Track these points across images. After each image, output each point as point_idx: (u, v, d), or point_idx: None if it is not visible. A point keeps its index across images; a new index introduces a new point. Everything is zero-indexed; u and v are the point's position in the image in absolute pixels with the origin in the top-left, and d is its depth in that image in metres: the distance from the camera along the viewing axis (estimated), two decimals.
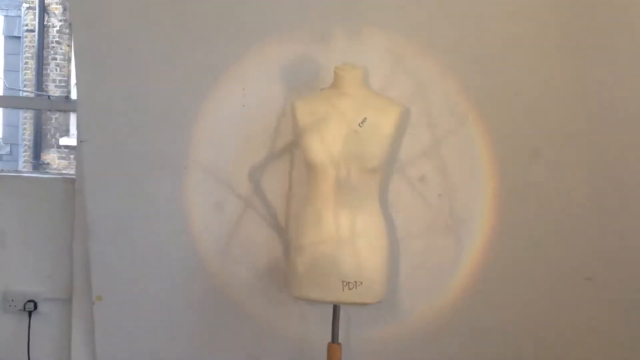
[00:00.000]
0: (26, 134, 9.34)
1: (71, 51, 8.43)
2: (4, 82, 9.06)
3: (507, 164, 2.32)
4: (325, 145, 2.05)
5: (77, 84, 2.53)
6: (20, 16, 9.18)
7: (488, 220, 2.34)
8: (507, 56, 2.29)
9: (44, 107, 5.32)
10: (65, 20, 8.96)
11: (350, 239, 2.06)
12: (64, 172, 3.06)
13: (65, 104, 4.72)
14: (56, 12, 9.09)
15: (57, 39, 9.19)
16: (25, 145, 9.32)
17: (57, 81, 9.23)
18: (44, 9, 8.97)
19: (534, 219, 2.34)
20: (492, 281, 2.37)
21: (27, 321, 2.73)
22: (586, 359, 2.39)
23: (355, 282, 2.05)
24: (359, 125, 2.06)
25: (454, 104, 2.30)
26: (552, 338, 2.39)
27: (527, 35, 2.27)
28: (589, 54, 2.27)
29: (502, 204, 2.32)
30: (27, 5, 8.99)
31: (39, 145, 9.29)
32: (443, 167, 2.33)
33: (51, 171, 3.87)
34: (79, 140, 2.51)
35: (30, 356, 2.72)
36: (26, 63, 9.19)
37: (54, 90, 9.02)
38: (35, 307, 2.73)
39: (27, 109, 8.93)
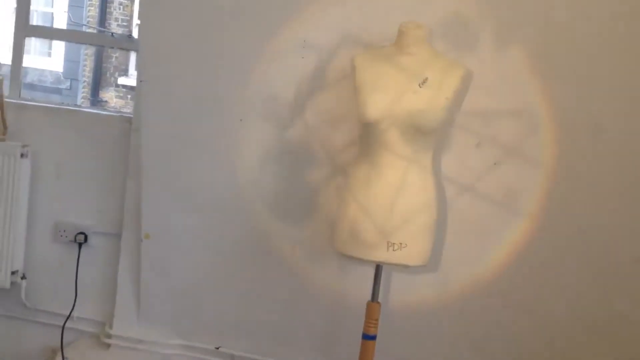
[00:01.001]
0: (86, 71, 9.51)
1: None
2: (68, 16, 9.19)
3: (567, 139, 2.25)
4: (382, 102, 2.01)
5: (140, 23, 2.54)
6: None
7: (540, 194, 2.28)
8: (580, 28, 2.20)
9: (106, 43, 5.38)
10: None
11: (398, 200, 2.03)
12: (121, 111, 3.11)
13: (127, 43, 4.78)
14: None
15: None
16: (85, 81, 9.50)
17: (120, 20, 9.34)
18: None
19: (589, 195, 2.27)
20: (538, 257, 2.32)
21: (77, 252, 2.81)
22: (629, 346, 2.34)
23: (401, 243, 2.04)
24: (419, 85, 2.02)
25: (518, 71, 2.23)
26: (593, 320, 2.34)
27: (604, 8, 2.17)
28: None
29: (556, 179, 2.26)
30: None
31: (97, 83, 9.46)
32: (501, 135, 2.27)
33: (109, 109, 3.95)
34: (139, 80, 2.54)
35: (78, 287, 2.81)
36: (90, 0, 9.30)
37: (116, 29, 9.13)
38: (86, 239, 2.81)
39: (89, 44, 9.05)
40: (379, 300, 2.23)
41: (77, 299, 2.81)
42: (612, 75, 2.20)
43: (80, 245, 2.81)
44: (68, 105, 3.08)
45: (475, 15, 2.24)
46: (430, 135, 2.05)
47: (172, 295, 2.69)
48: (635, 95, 2.19)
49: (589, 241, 2.29)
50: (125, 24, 9.28)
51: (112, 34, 8.55)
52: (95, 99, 9.41)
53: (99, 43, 6.00)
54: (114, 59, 9.40)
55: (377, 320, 2.20)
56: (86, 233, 2.80)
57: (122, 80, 9.26)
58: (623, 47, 2.18)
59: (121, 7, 9.30)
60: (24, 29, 2.93)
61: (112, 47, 8.56)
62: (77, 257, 2.81)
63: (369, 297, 2.22)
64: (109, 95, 9.37)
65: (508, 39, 2.22)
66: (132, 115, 2.70)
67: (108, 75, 9.48)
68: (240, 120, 2.44)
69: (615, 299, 2.31)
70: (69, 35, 5.39)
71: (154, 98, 2.48)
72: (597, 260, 2.30)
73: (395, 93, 2.02)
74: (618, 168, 2.23)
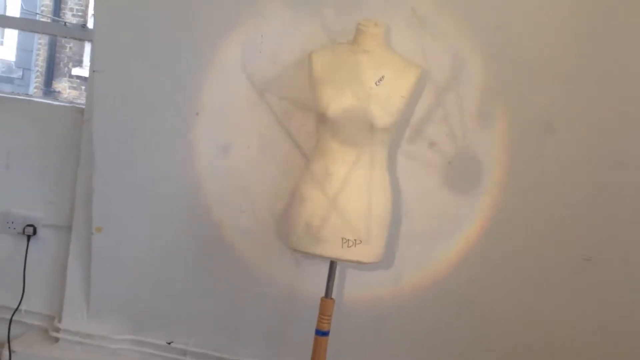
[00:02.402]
0: (39, 60, 9.30)
1: None
2: (21, 5, 8.97)
3: (518, 138, 2.29)
4: (338, 99, 2.02)
5: (94, 13, 2.50)
6: None
7: (493, 193, 2.32)
8: (531, 27, 2.24)
9: (59, 33, 5.25)
10: None
11: (354, 196, 2.05)
12: (74, 101, 3.06)
13: (80, 32, 4.68)
14: None
15: None
16: (38, 71, 9.29)
17: (75, 10, 9.15)
18: None
19: (540, 194, 2.32)
20: (490, 255, 2.36)
21: (25, 245, 2.75)
22: (582, 340, 2.39)
23: (355, 240, 2.05)
24: (376, 83, 2.03)
25: (471, 71, 2.26)
26: (544, 316, 2.40)
27: (555, 7, 2.22)
28: (617, 39, 2.22)
29: (509, 178, 2.30)
30: None
31: (51, 73, 9.25)
32: (454, 135, 2.30)
33: (61, 99, 3.85)
34: (92, 70, 2.50)
35: (26, 280, 2.74)
36: None
37: (70, 19, 8.94)
38: (35, 231, 2.75)
39: (42, 33, 8.84)
40: (333, 296, 2.24)
41: (25, 292, 2.75)
42: (562, 74, 2.25)
43: (29, 237, 2.74)
44: (19, 94, 3.01)
45: (430, 15, 2.26)
46: (385, 133, 2.06)
47: (123, 290, 2.65)
48: (585, 94, 2.24)
49: (539, 240, 2.34)
50: (80, 14, 9.10)
51: (65, 23, 8.38)
52: (48, 89, 9.20)
53: (52, 32, 5.86)
54: (68, 49, 9.21)
55: (330, 316, 2.22)
56: (35, 225, 2.74)
57: (76, 71, 9.08)
58: (572, 46, 2.23)
59: None
60: None
61: (66, 37, 8.40)
62: (25, 249, 2.74)
63: (323, 293, 2.23)
64: (63, 86, 9.18)
65: (462, 41, 2.25)
66: (84, 106, 2.65)
67: (62, 65, 9.29)
68: (197, 113, 2.41)
69: (564, 297, 2.36)
70: (21, 24, 5.25)
71: (107, 89, 2.44)
72: (547, 259, 2.35)
73: (351, 90, 2.03)
74: (568, 167, 2.29)
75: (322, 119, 2.06)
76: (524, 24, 2.24)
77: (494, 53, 2.26)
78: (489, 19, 2.25)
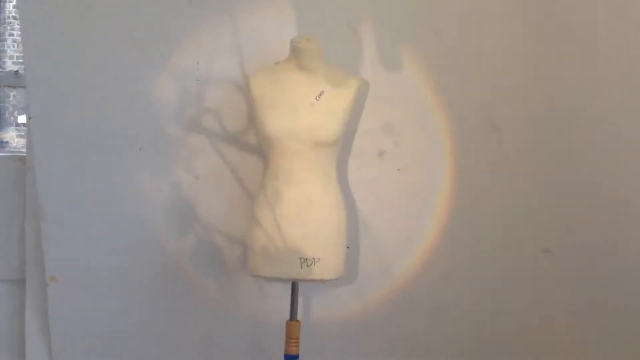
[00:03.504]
0: None
1: None
2: None
3: (466, 140, 2.30)
4: (281, 119, 2.02)
5: (24, 58, 2.43)
6: None
7: (446, 195, 2.33)
8: (469, 30, 2.26)
9: None
10: None
11: (307, 214, 2.03)
12: (21, 150, 3.00)
13: (14, 79, 4.60)
14: None
15: (13, 14, 8.97)
16: None
17: (15, 57, 9.02)
18: None
19: (492, 193, 2.33)
20: (451, 257, 2.37)
21: None
22: (545, 333, 2.41)
23: (314, 258, 2.03)
24: (316, 99, 2.03)
25: (413, 78, 2.27)
26: (511, 312, 2.40)
27: (492, 8, 2.24)
28: (556, 38, 2.25)
29: (460, 178, 2.31)
30: None
31: None
32: (402, 142, 2.31)
33: (9, 149, 3.77)
34: (28, 117, 2.43)
35: None
36: None
37: (11, 67, 8.81)
38: None
39: None
40: (300, 318, 2.21)
41: None
42: (505, 74, 2.27)
43: None
44: None
45: (366, 25, 2.26)
46: (331, 147, 2.05)
47: (86, 338, 2.57)
48: (525, 91, 2.26)
49: (498, 236, 2.35)
50: (21, 60, 8.96)
51: None
52: None
53: None
54: (12, 97, 9.06)
55: (297, 339, 2.18)
56: None
57: (22, 119, 8.92)
58: (517, 47, 2.26)
59: (15, 44, 8.99)
60: None
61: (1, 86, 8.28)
62: None
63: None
64: (10, 135, 9.01)
65: (401, 47, 2.26)
66: (25, 154, 2.58)
67: (7, 115, 9.13)
68: (140, 149, 2.37)
69: (524, 290, 2.37)
70: None
71: (46, 135, 2.38)
72: (506, 253, 2.36)
73: (292, 108, 2.02)
74: (517, 163, 2.31)
75: (266, 141, 2.04)
76: (462, 27, 2.26)
77: (433, 57, 2.27)
78: (428, 23, 2.26)
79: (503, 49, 2.26)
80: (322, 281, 2.08)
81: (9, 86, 7.58)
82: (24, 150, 3.04)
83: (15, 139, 8.87)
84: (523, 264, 2.37)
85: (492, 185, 2.32)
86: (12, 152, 2.83)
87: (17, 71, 7.20)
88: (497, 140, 2.28)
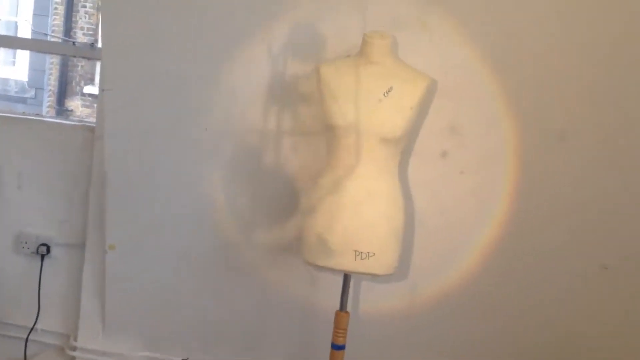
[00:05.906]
0: (51, 80, 9.36)
1: None
2: (32, 26, 9.06)
3: (531, 146, 2.27)
4: (347, 111, 2.01)
5: (102, 32, 2.51)
6: None
7: (507, 202, 2.29)
8: (540, 34, 2.22)
9: (68, 52, 5.29)
10: None
11: (366, 209, 2.03)
12: (86, 120, 3.07)
13: (89, 51, 4.71)
14: None
15: None
16: (50, 90, 9.35)
17: (85, 29, 9.21)
18: None
19: (553, 203, 2.29)
20: (506, 265, 2.34)
21: (39, 264, 2.75)
22: (600, 347, 2.36)
23: (368, 252, 2.03)
24: (384, 94, 2.02)
25: (482, 79, 2.24)
26: (565, 324, 2.36)
27: (567, 14, 2.20)
28: (626, 46, 2.19)
29: (522, 186, 2.28)
30: None
31: (63, 92, 9.31)
32: (466, 143, 2.28)
33: (73, 118, 3.87)
34: (101, 89, 2.50)
35: (41, 299, 2.75)
36: (55, 9, 9.17)
37: (81, 38, 9.00)
38: (48, 251, 2.75)
39: (52, 53, 8.91)
40: (348, 309, 2.22)
41: (40, 311, 2.76)
42: (575, 81, 2.23)
43: (42, 257, 2.75)
44: (30, 114, 3.03)
45: (438, 24, 2.24)
46: (395, 143, 2.05)
47: (138, 307, 2.65)
48: (599, 100, 2.22)
49: (556, 248, 2.31)
50: (91, 32, 9.16)
51: (74, 42, 8.43)
52: (60, 108, 9.25)
53: (61, 52, 5.90)
54: (79, 68, 9.25)
55: (345, 330, 2.19)
56: (49, 244, 2.75)
57: (88, 89, 9.11)
58: (586, 52, 2.21)
59: (87, 15, 9.17)
60: None
61: (75, 57, 8.46)
62: (39, 268, 2.75)
63: (338, 306, 2.21)
64: (75, 104, 9.22)
65: (471, 50, 2.24)
66: (95, 124, 2.66)
67: (74, 84, 9.34)
68: (205, 129, 2.41)
69: (582, 305, 2.33)
70: (30, 45, 5.30)
71: (117, 107, 2.45)
72: (564, 266, 2.32)
73: (359, 102, 2.02)
74: (583, 175, 2.26)
75: (331, 131, 2.05)
76: (536, 32, 2.22)
77: (504, 61, 2.24)
78: (500, 27, 2.23)
79: (574, 55, 2.21)
80: (375, 275, 2.08)
81: (84, 57, 7.75)
82: (88, 119, 3.12)
83: (80, 108, 9.07)
84: (579, 278, 2.33)
85: (554, 194, 2.27)
86: (79, 121, 2.90)
87: (92, 43, 7.36)
88: (564, 148, 2.24)
